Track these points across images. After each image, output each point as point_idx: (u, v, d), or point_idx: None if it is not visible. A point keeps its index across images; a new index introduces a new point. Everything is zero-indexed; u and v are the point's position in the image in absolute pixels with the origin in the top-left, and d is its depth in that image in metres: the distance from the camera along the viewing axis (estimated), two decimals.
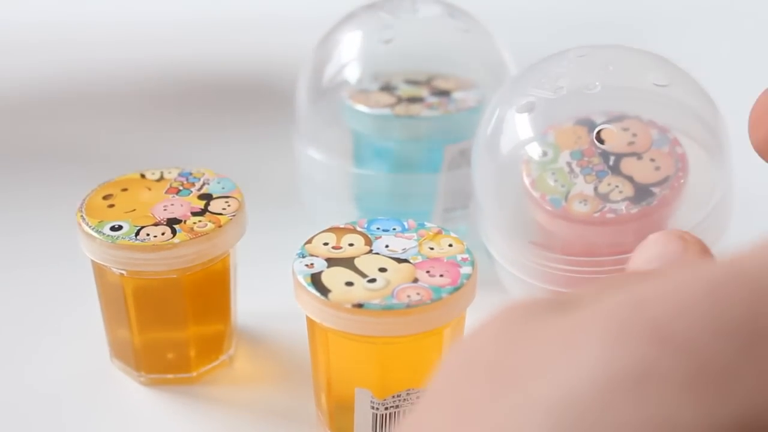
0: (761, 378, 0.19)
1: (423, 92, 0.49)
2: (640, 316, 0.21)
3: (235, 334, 0.44)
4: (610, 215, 0.40)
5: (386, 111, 0.48)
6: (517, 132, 0.42)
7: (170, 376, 0.43)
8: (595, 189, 0.40)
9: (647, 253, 0.31)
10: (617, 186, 0.40)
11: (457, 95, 0.49)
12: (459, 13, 0.51)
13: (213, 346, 0.43)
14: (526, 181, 0.41)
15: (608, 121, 0.42)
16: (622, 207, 0.40)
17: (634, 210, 0.40)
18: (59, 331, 0.46)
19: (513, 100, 0.42)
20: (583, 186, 0.40)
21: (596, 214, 0.40)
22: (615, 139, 0.41)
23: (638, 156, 0.41)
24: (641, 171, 0.40)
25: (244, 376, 0.43)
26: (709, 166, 0.42)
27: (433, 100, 0.48)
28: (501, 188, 0.42)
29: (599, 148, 0.41)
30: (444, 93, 0.49)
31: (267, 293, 0.47)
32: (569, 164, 0.41)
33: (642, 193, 0.40)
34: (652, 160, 0.41)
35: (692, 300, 0.21)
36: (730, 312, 0.20)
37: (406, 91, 0.49)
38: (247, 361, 0.44)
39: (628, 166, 0.41)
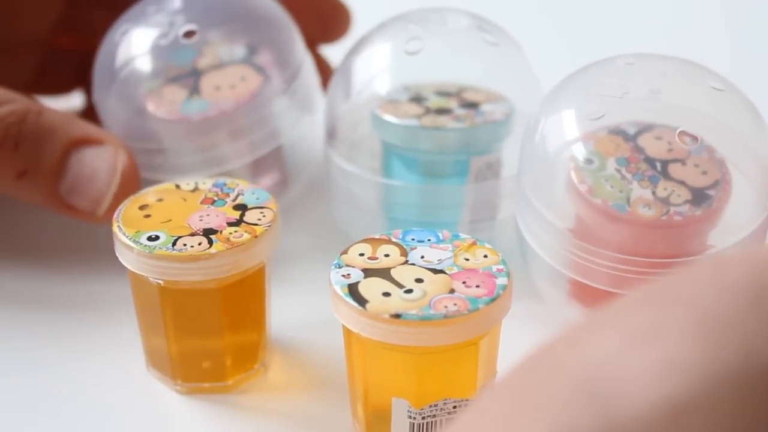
0: (759, 325, 0.23)
1: (452, 104, 0.49)
2: (655, 288, 0.24)
3: (269, 344, 0.44)
4: (677, 218, 0.40)
5: (413, 122, 0.48)
6: (560, 137, 0.43)
7: (206, 384, 0.43)
8: (654, 194, 0.41)
9: None
10: (674, 190, 0.41)
11: (485, 108, 0.49)
12: (488, 26, 0.51)
13: (248, 355, 0.43)
14: (582, 188, 0.41)
15: (640, 131, 0.42)
16: (686, 209, 0.40)
17: (698, 212, 0.40)
18: (95, 341, 0.46)
19: (565, 104, 0.43)
20: (640, 191, 0.41)
21: (664, 217, 0.40)
22: (653, 146, 0.42)
23: (682, 162, 0.42)
24: (691, 176, 0.41)
25: (279, 386, 0.44)
26: (760, 180, 0.42)
27: (460, 112, 0.49)
28: (549, 187, 0.43)
29: (642, 154, 0.42)
30: (472, 105, 0.49)
31: (300, 303, 0.47)
32: (618, 171, 0.41)
33: (699, 196, 0.41)
34: (696, 165, 0.42)
35: (700, 272, 0.24)
36: (732, 276, 0.24)
37: (435, 102, 0.49)
38: (282, 370, 0.44)
39: (676, 171, 0.41)
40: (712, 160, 0.42)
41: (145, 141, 0.49)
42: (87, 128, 0.48)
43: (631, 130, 0.42)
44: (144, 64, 0.50)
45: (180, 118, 0.49)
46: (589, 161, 0.42)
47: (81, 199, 0.47)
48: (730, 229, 0.41)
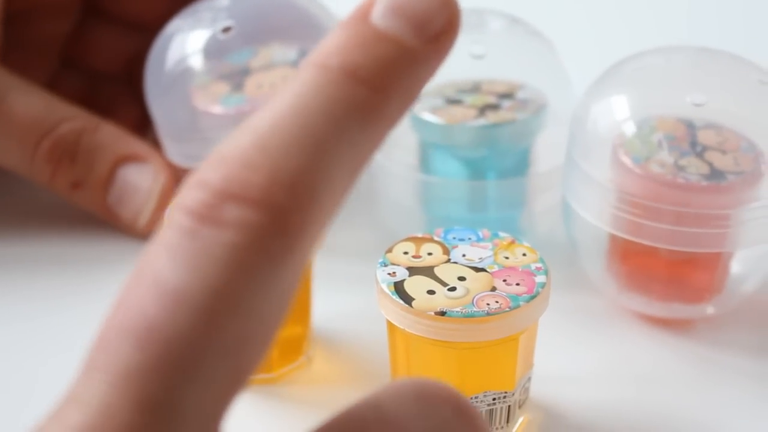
0: None
1: (490, 99, 0.50)
2: None
3: (313, 337, 0.46)
4: (681, 180, 0.42)
5: (481, 122, 0.49)
6: (616, 111, 0.46)
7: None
8: (675, 162, 0.43)
9: None
10: (695, 165, 0.43)
11: (520, 96, 0.50)
12: (524, 25, 0.52)
13: (293, 348, 0.45)
14: (616, 142, 0.44)
15: (705, 126, 0.45)
16: (695, 179, 0.43)
17: (705, 183, 0.42)
18: None
19: (618, 74, 0.46)
20: (665, 156, 0.44)
21: (669, 176, 0.42)
22: (708, 137, 0.44)
23: (723, 152, 0.43)
24: (722, 162, 0.43)
25: (323, 377, 0.45)
26: None
27: (509, 103, 0.49)
28: (600, 154, 0.45)
29: (692, 138, 0.44)
30: (507, 96, 0.50)
31: (342, 298, 0.49)
32: (659, 141, 0.44)
33: (717, 174, 0.43)
34: (735, 158, 0.43)
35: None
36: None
37: (475, 100, 0.50)
38: (325, 362, 0.46)
39: (711, 155, 0.44)
40: (755, 161, 0.44)
41: (189, 132, 0.51)
42: (135, 146, 0.53)
43: (699, 124, 0.45)
44: (197, 60, 0.51)
45: (218, 112, 0.50)
46: (639, 128, 0.44)
47: (124, 210, 0.52)
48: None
